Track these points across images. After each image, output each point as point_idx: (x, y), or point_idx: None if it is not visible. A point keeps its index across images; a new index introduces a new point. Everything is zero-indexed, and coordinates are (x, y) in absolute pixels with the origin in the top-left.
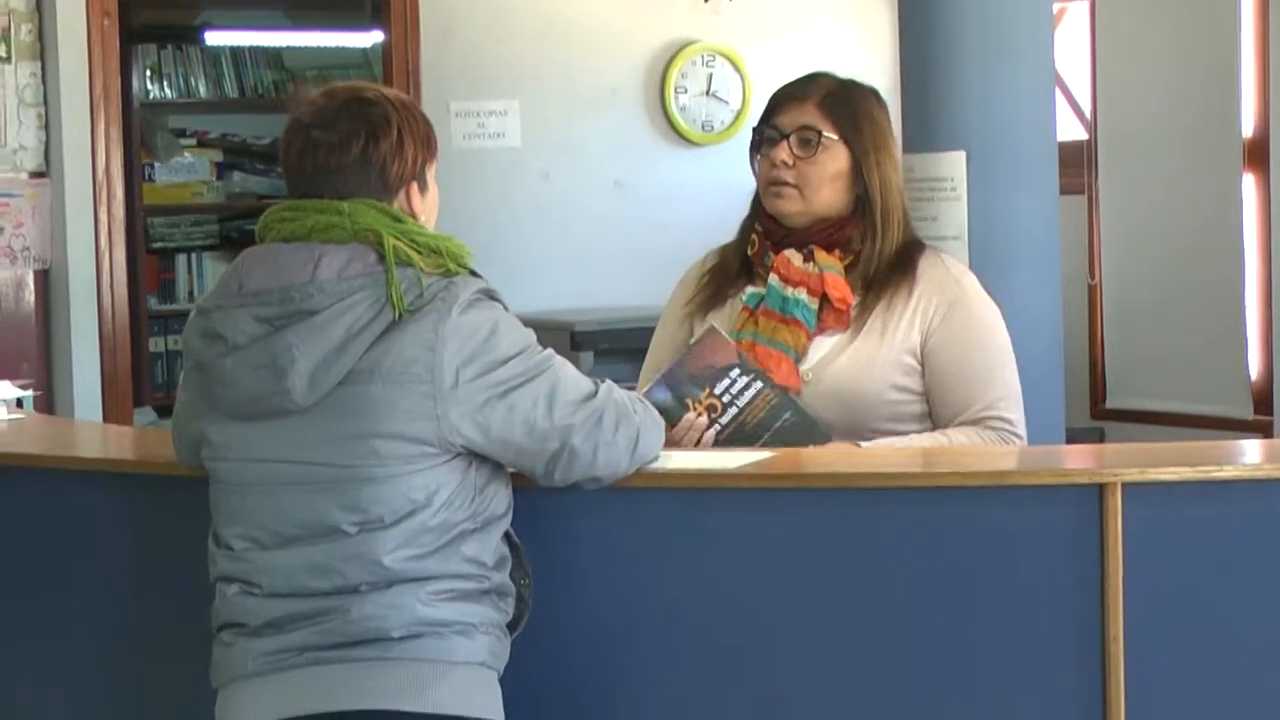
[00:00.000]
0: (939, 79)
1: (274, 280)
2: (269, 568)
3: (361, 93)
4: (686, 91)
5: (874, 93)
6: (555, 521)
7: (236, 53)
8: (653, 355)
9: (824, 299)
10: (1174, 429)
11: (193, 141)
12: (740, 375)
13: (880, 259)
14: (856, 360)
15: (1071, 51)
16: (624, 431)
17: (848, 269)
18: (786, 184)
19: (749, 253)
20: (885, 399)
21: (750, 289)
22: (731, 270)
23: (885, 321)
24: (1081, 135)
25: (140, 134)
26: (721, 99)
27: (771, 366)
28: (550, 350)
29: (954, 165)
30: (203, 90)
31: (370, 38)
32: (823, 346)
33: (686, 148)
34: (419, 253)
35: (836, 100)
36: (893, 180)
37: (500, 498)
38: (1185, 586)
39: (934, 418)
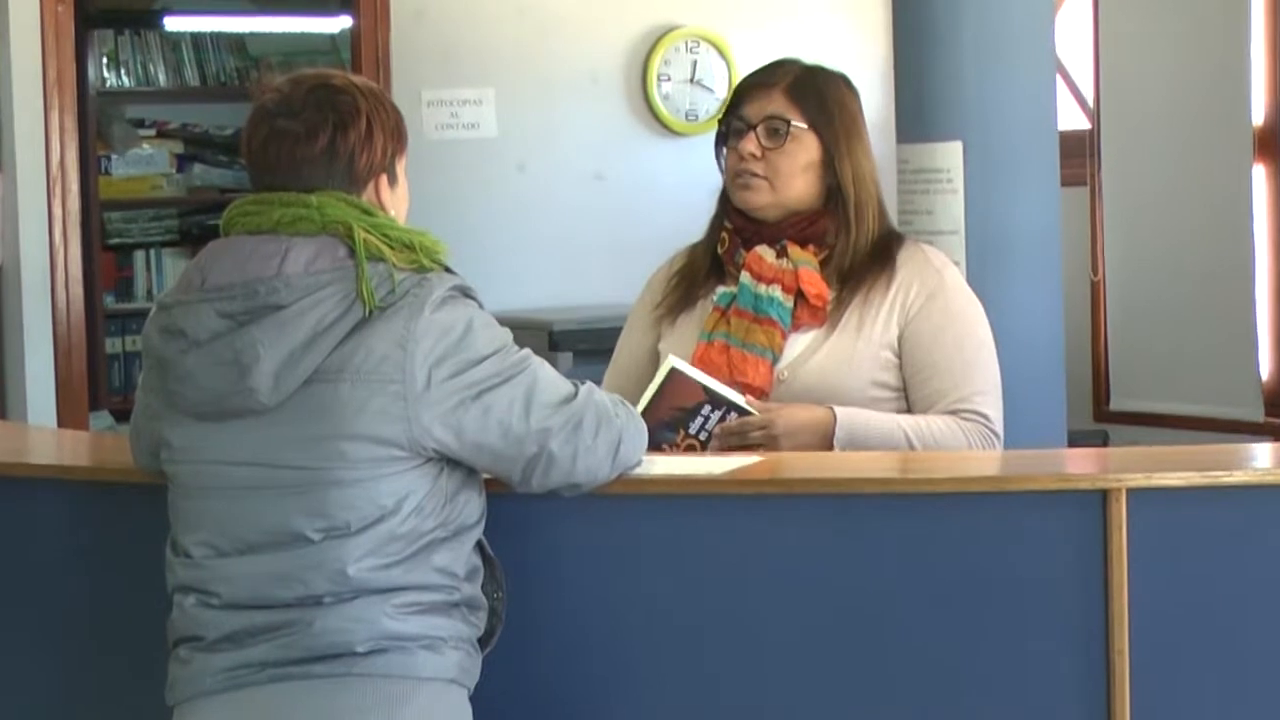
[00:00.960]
0: (934, 65)
1: (238, 274)
2: (229, 576)
3: (329, 80)
4: (669, 79)
5: (843, 78)
6: (531, 531)
7: (197, 39)
8: (616, 363)
9: (799, 295)
10: (1181, 432)
11: (152, 132)
12: (712, 411)
13: (855, 251)
14: (833, 356)
15: (1073, 36)
16: (605, 436)
17: (823, 264)
18: (755, 175)
19: (719, 251)
20: (865, 396)
21: (721, 288)
22: (701, 270)
23: (862, 315)
24: (1084, 124)
25: (96, 124)
26: (706, 87)
27: (746, 369)
28: (527, 350)
29: (950, 156)
30: (162, 78)
31: (338, 23)
32: (798, 344)
33: (670, 138)
34: (391, 247)
35: (804, 87)
36: (865, 169)
37: (473, 505)
38: (1194, 598)
39: (910, 410)
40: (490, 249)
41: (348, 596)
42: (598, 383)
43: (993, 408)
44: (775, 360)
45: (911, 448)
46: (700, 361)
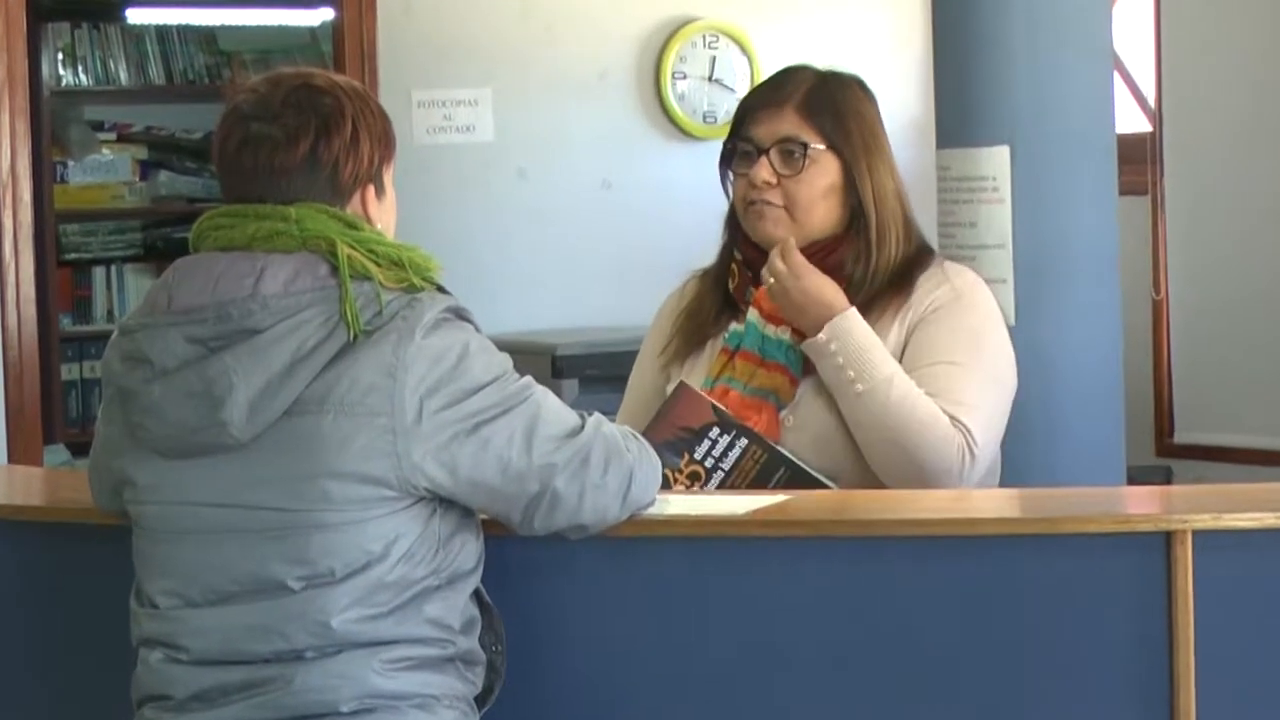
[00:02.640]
0: (979, 62)
1: (209, 295)
2: (199, 629)
3: (311, 80)
4: (685, 77)
5: (858, 83)
6: (534, 577)
7: (163, 32)
8: (629, 401)
9: None
10: (1252, 468)
11: (112, 136)
12: (721, 434)
13: (875, 282)
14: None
15: (1133, 29)
16: (615, 472)
17: None
18: (771, 204)
19: (730, 287)
20: None
21: (733, 326)
22: (710, 308)
23: None
24: (1144, 126)
25: (51, 127)
26: (726, 86)
27: (750, 416)
28: (529, 378)
29: (996, 162)
30: (124, 76)
31: (318, 15)
32: (807, 388)
33: (685, 142)
34: (378, 264)
35: (818, 101)
36: (888, 188)
37: (469, 550)
38: (1265, 649)
39: None
40: (487, 265)
41: (331, 651)
42: (607, 414)
43: (979, 428)
44: (780, 406)
45: (889, 396)
46: None
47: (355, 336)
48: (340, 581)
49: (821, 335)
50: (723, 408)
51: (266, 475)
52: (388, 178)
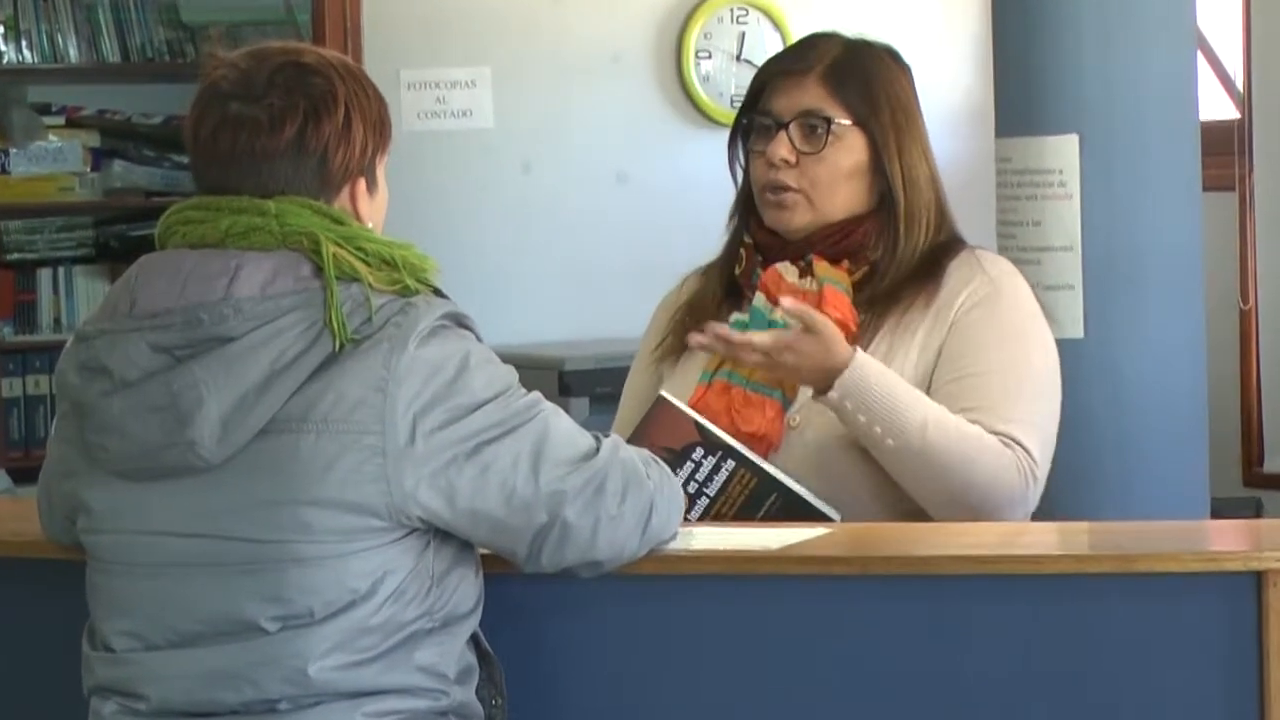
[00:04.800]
0: (1045, 43)
1: (177, 297)
2: (160, 675)
3: (300, 57)
4: (710, 56)
5: (890, 52)
6: (541, 620)
7: (118, 4)
8: (623, 409)
9: None
10: None
11: (60, 120)
12: (706, 456)
13: (900, 270)
14: None
15: (1219, 8)
16: (633, 502)
17: (861, 283)
18: (789, 189)
19: (735, 271)
20: None
21: (735, 315)
22: (711, 299)
23: (893, 343)
24: (1231, 114)
25: None
26: (757, 65)
27: (751, 415)
28: (537, 394)
29: (1064, 153)
30: (73, 53)
31: None
32: None
33: (710, 129)
34: (368, 264)
35: (845, 71)
36: (920, 171)
37: (466, 589)
38: None
39: None
40: (485, 269)
41: (308, 702)
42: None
43: (1035, 444)
44: (786, 403)
45: (925, 438)
46: (697, 407)
47: (341, 345)
48: (320, 623)
49: (833, 394)
50: (706, 423)
51: (239, 501)
52: (380, 170)
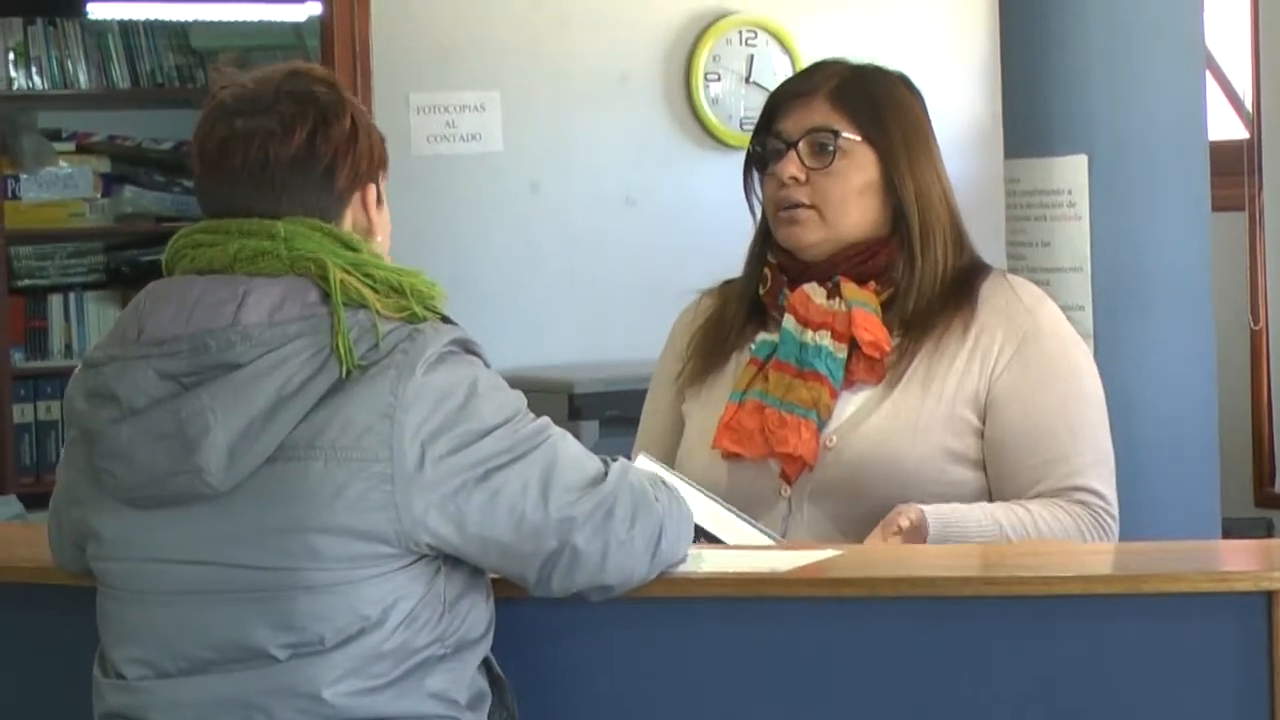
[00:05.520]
0: (1053, 65)
1: (184, 324)
2: (171, 702)
3: (303, 70)
4: (719, 78)
5: (902, 78)
6: (551, 644)
7: (128, 29)
8: (643, 436)
9: (853, 345)
10: None
11: (71, 146)
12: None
13: (922, 289)
14: (894, 419)
15: (1227, 26)
16: (643, 526)
17: (886, 305)
18: (801, 205)
19: (760, 292)
20: (932, 467)
21: (762, 335)
22: (735, 317)
23: (931, 368)
24: (1241, 134)
25: (2, 136)
26: (765, 88)
27: (786, 435)
28: (546, 419)
29: (1072, 174)
30: (84, 79)
31: (305, 10)
32: (850, 404)
33: (719, 151)
34: (375, 290)
35: (853, 89)
36: (933, 188)
37: (478, 614)
38: None
39: (996, 491)
40: (494, 292)
41: None
42: (628, 458)
43: (1107, 482)
44: (821, 424)
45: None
46: (729, 427)
47: (348, 372)
48: (331, 650)
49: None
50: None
51: (247, 529)
52: (384, 186)
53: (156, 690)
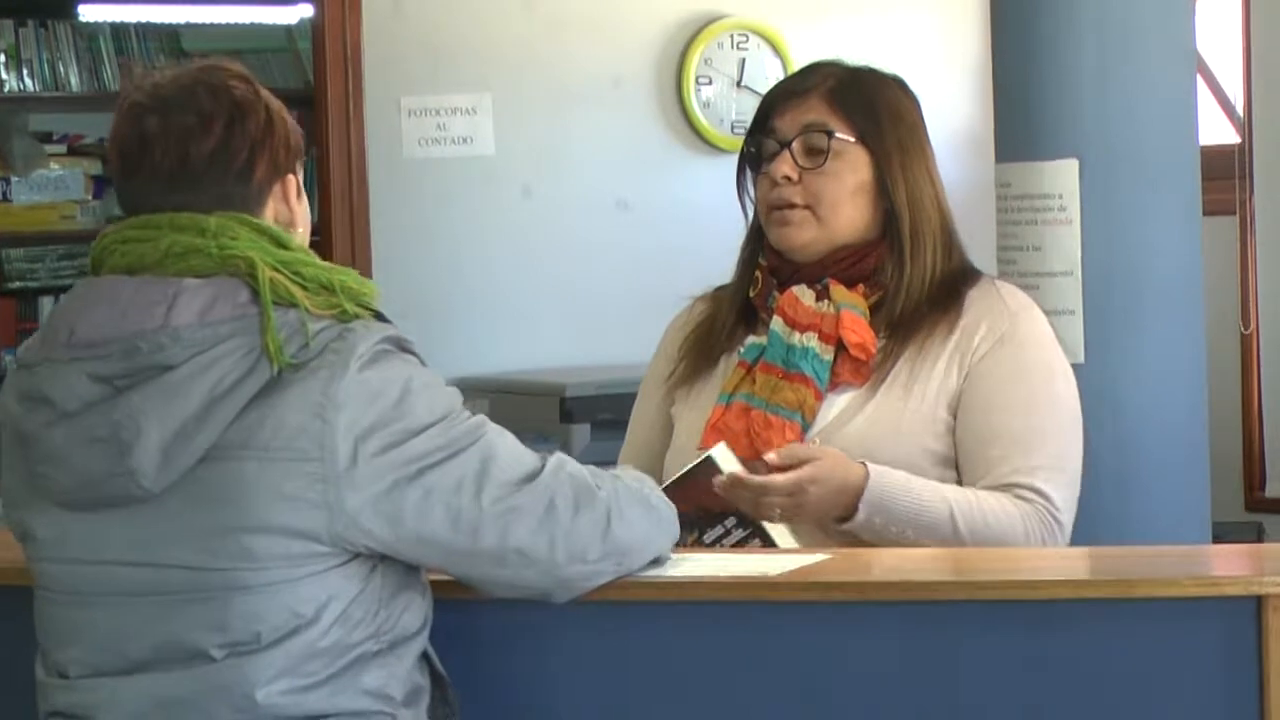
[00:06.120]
0: (1045, 69)
1: (116, 327)
2: (114, 700)
3: (212, 65)
4: (711, 82)
5: (897, 81)
6: (539, 649)
7: (119, 31)
8: (631, 436)
9: (840, 347)
10: None
11: (62, 148)
12: (737, 527)
13: (910, 292)
14: (876, 421)
15: (1218, 31)
16: (588, 515)
17: (875, 308)
18: (794, 205)
19: (750, 294)
20: (914, 469)
21: (751, 339)
22: (725, 321)
23: (914, 370)
24: (1232, 138)
25: None
26: (757, 92)
27: (770, 437)
28: (481, 417)
29: (1063, 178)
30: (75, 81)
31: (296, 12)
32: (834, 405)
33: (710, 155)
34: (306, 289)
35: (848, 90)
36: (925, 191)
37: (414, 609)
38: None
39: (960, 482)
40: (486, 295)
41: None
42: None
43: (1058, 487)
44: (806, 426)
45: (956, 531)
46: (716, 429)
47: (279, 372)
48: (266, 649)
49: (860, 516)
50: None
51: (183, 530)
52: (299, 179)
53: (99, 689)
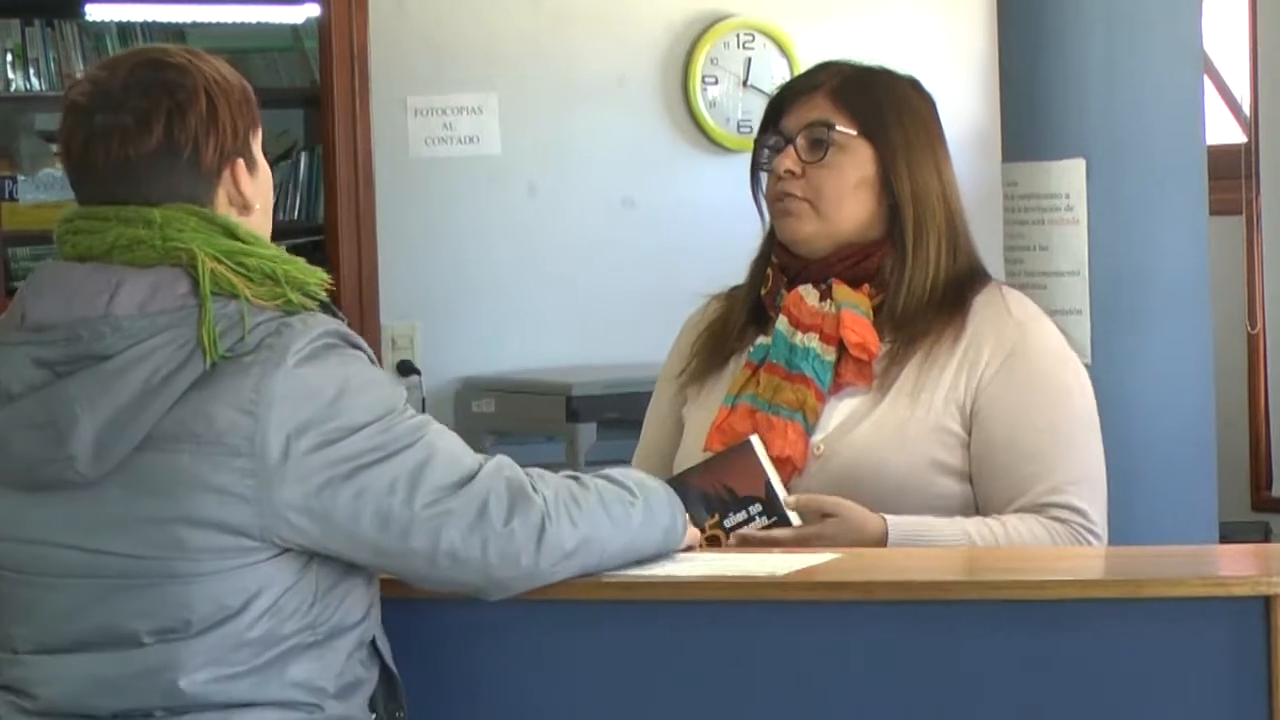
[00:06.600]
0: (1051, 68)
1: (63, 313)
2: (52, 677)
3: (150, 55)
4: (717, 81)
5: (912, 81)
6: (543, 645)
7: (126, 30)
8: (644, 438)
9: (842, 347)
10: None
11: None
12: (761, 514)
13: (912, 289)
14: (882, 428)
15: (1225, 31)
16: (522, 519)
17: (879, 309)
18: (795, 198)
19: (761, 293)
20: (920, 479)
21: (761, 339)
22: (736, 321)
23: (920, 377)
24: (1238, 139)
25: None
26: (763, 91)
27: (774, 439)
28: (426, 418)
29: (1070, 178)
30: None
31: (302, 11)
32: (839, 411)
33: (716, 154)
34: (249, 279)
35: (854, 86)
36: (931, 188)
37: (355, 600)
38: None
39: (980, 506)
40: (493, 293)
41: (181, 713)
42: (627, 462)
43: (1091, 500)
44: (809, 427)
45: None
46: (721, 429)
47: (212, 363)
48: (194, 637)
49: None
50: (778, 487)
51: (119, 517)
52: (256, 148)
53: (41, 665)
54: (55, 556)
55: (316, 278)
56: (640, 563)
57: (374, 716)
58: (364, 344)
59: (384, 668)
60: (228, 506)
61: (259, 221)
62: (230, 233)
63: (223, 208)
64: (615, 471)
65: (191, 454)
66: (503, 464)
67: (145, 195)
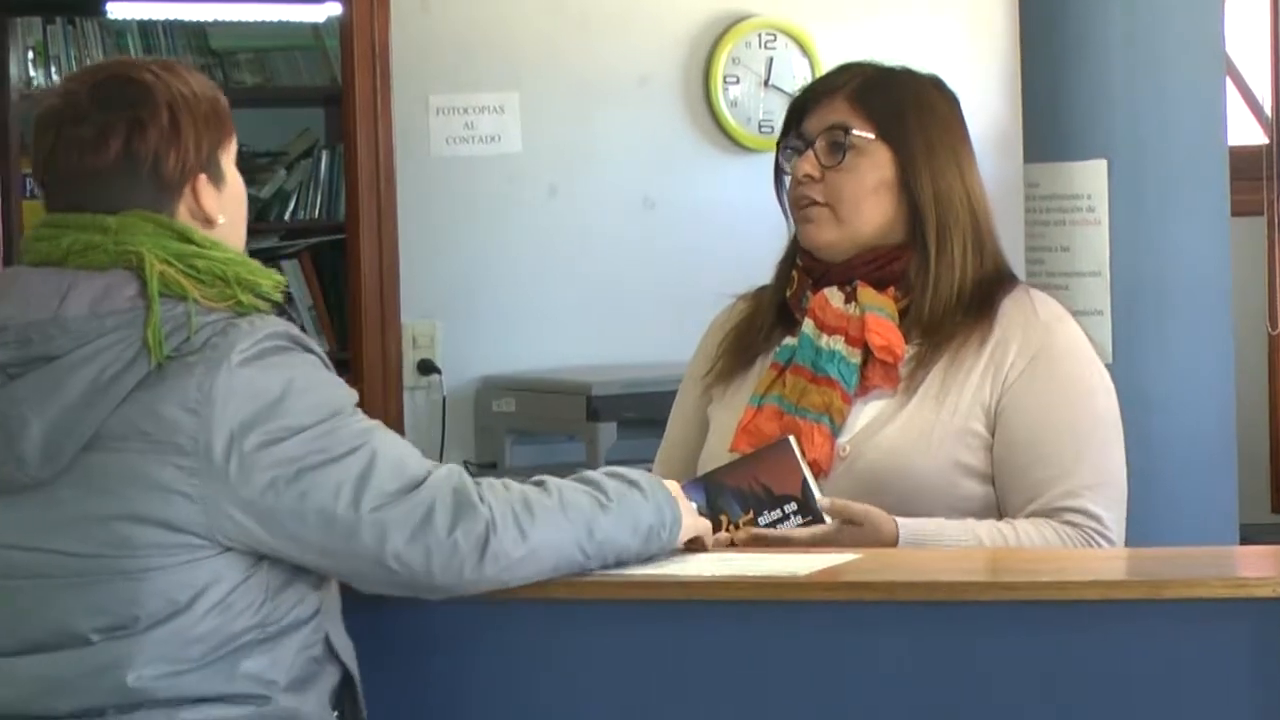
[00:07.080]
0: (1073, 69)
1: (19, 314)
2: (9, 679)
3: (118, 70)
4: (738, 81)
5: (934, 80)
6: (558, 643)
7: (147, 29)
8: (668, 438)
9: (867, 350)
10: None
11: None
12: (796, 514)
13: (938, 293)
14: (907, 431)
15: (1248, 32)
16: (466, 528)
17: (905, 312)
18: (815, 203)
19: (786, 295)
20: (944, 481)
21: (787, 340)
22: (763, 322)
23: (947, 380)
24: (1260, 139)
25: (20, 135)
26: (784, 91)
27: (801, 442)
28: (376, 423)
29: (1092, 179)
30: None
31: (324, 10)
32: (865, 413)
33: (737, 154)
34: (199, 281)
35: (874, 89)
36: (954, 190)
37: (308, 597)
38: None
39: (1000, 507)
40: (513, 292)
41: (131, 710)
42: (644, 462)
43: (1107, 506)
44: (835, 429)
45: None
46: (747, 430)
47: (159, 364)
48: (142, 633)
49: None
50: (814, 486)
51: (68, 517)
52: (226, 162)
53: (1, 666)
54: (7, 558)
55: (270, 280)
56: (621, 563)
57: (336, 715)
58: (315, 346)
59: (345, 678)
60: (173, 505)
61: (226, 234)
62: (184, 237)
63: (184, 220)
64: (603, 472)
65: (139, 452)
66: (452, 472)
67: (107, 205)
